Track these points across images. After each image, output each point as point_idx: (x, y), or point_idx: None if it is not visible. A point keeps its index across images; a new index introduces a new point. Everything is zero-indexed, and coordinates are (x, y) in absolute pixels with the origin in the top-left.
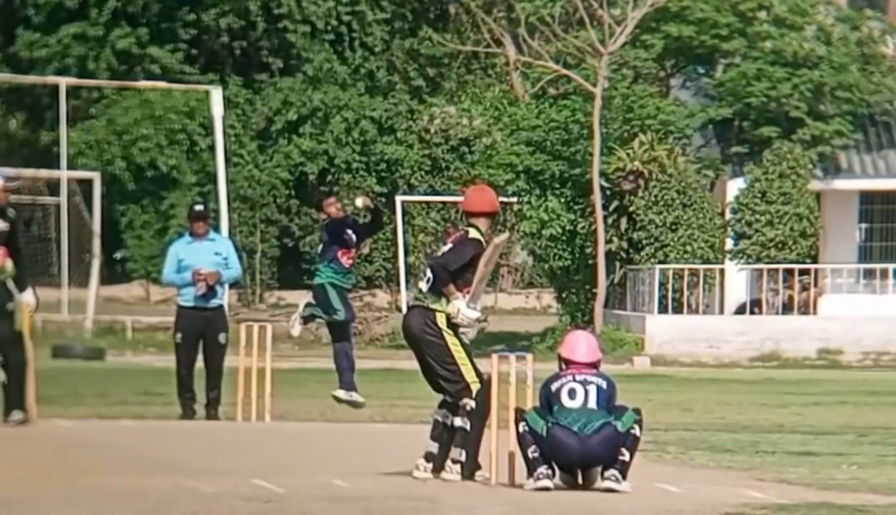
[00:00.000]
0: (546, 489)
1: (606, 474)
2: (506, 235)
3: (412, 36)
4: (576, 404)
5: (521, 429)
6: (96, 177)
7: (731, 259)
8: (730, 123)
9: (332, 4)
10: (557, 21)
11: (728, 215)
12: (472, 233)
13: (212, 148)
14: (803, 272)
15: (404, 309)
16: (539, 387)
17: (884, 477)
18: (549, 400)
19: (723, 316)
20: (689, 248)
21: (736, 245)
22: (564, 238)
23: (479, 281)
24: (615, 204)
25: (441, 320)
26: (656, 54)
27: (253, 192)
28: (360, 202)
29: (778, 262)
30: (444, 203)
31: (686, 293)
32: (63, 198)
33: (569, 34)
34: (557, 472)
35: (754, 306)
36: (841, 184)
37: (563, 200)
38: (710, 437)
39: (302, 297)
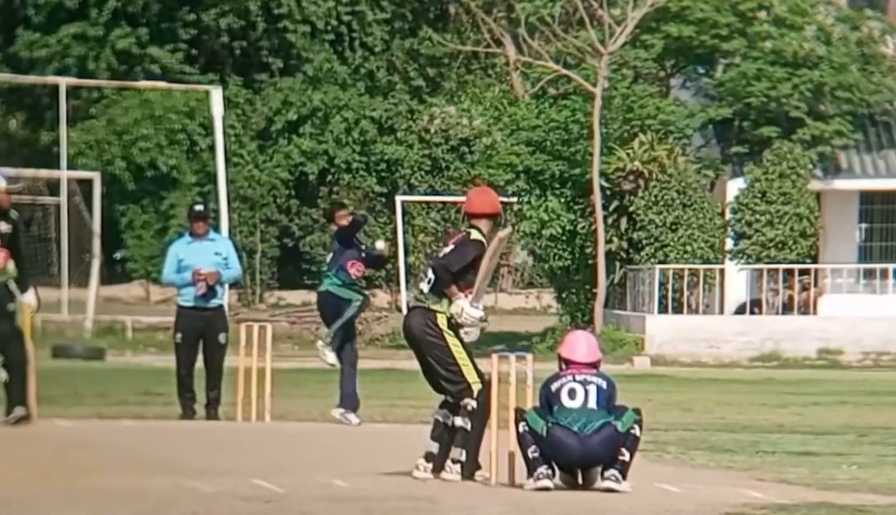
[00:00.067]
0: (546, 489)
1: (606, 474)
2: (509, 230)
3: (412, 36)
4: (576, 404)
5: (521, 429)
6: (96, 177)
7: (731, 259)
8: (730, 123)
9: (332, 4)
10: (557, 21)
11: (728, 215)
12: (474, 235)
13: (212, 148)
14: (803, 272)
15: (404, 310)
16: (539, 387)
17: (884, 477)
18: (549, 400)
19: (723, 316)
20: (689, 248)
21: (736, 245)
22: (564, 238)
23: (483, 277)
24: (615, 204)
25: (442, 321)
26: (656, 54)
27: (253, 192)
28: (381, 245)
29: (778, 262)
30: (444, 203)
31: (686, 293)
32: (63, 198)
33: (569, 34)
34: (557, 472)
35: (754, 306)
36: (841, 184)
37: (563, 200)
38: (710, 437)
39: (301, 297)
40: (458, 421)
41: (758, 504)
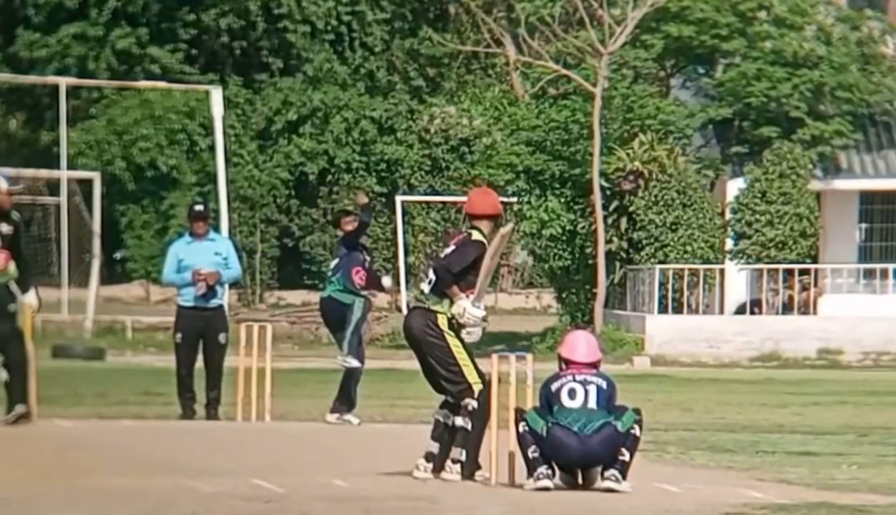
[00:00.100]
0: (546, 489)
1: (606, 474)
2: (511, 225)
3: (412, 36)
4: (576, 404)
5: (521, 429)
6: (96, 177)
7: (731, 259)
8: (730, 123)
9: (332, 4)
10: (557, 21)
11: (728, 215)
12: (475, 235)
13: (212, 148)
14: (803, 272)
15: (404, 309)
16: (539, 387)
17: (884, 477)
18: (549, 400)
19: (723, 316)
20: (689, 248)
21: (736, 245)
22: (564, 238)
23: (485, 275)
24: (615, 204)
25: (442, 321)
26: (656, 54)
27: (253, 192)
28: (387, 282)
29: (778, 262)
30: (444, 203)
31: (686, 293)
32: (63, 198)
33: (569, 34)
34: (557, 472)
35: (754, 306)
36: (841, 184)
37: (563, 200)
38: (710, 437)
39: (301, 297)
40: (459, 421)
41: (758, 504)
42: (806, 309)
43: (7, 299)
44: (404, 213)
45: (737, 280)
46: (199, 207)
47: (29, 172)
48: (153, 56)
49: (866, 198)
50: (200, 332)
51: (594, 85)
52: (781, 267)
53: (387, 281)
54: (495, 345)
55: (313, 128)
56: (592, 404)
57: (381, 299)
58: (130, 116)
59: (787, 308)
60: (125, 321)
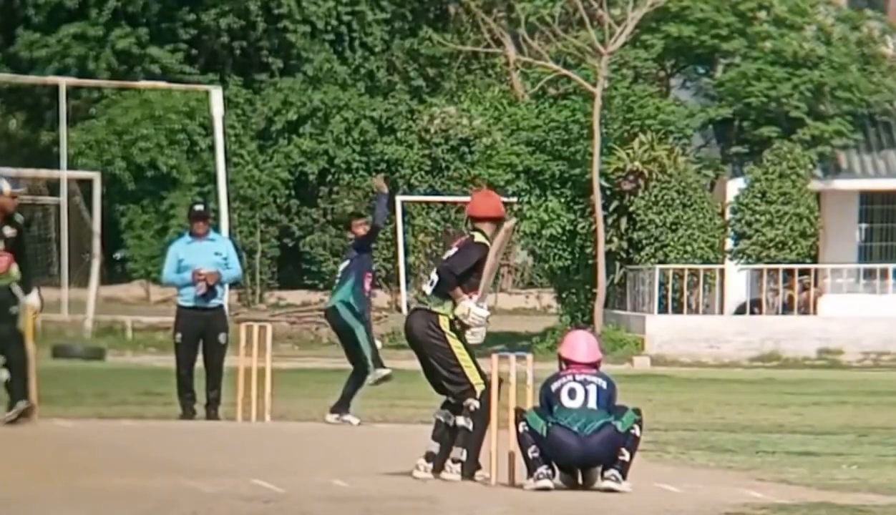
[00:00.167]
0: (546, 489)
1: (606, 474)
2: (514, 221)
3: (412, 36)
4: (576, 404)
5: (521, 429)
6: (96, 177)
7: (731, 259)
8: (730, 123)
9: (332, 4)
10: (557, 21)
11: (728, 215)
12: (478, 237)
13: (212, 148)
14: (803, 272)
15: (404, 309)
16: (539, 387)
17: (884, 477)
18: (549, 400)
19: (723, 316)
20: (689, 248)
21: (736, 245)
22: (564, 238)
23: (489, 273)
24: (615, 204)
25: (444, 323)
26: (656, 54)
27: (253, 192)
28: (378, 182)
29: (778, 262)
30: (444, 203)
31: (686, 293)
32: (63, 198)
33: (569, 34)
34: (557, 472)
35: (754, 306)
36: (841, 184)
37: (563, 200)
38: (710, 437)
39: (301, 297)
40: (461, 421)
41: (758, 504)
42: (806, 309)
43: (9, 301)
44: (404, 213)
45: (737, 280)
46: (199, 207)
47: (29, 172)
48: (153, 56)
49: (866, 198)
50: (200, 332)
51: (594, 85)
52: (781, 267)
53: (378, 181)
54: (495, 345)
55: (313, 128)
56: (592, 404)
57: (381, 299)
58: (130, 116)
59: (787, 308)
60: (125, 321)
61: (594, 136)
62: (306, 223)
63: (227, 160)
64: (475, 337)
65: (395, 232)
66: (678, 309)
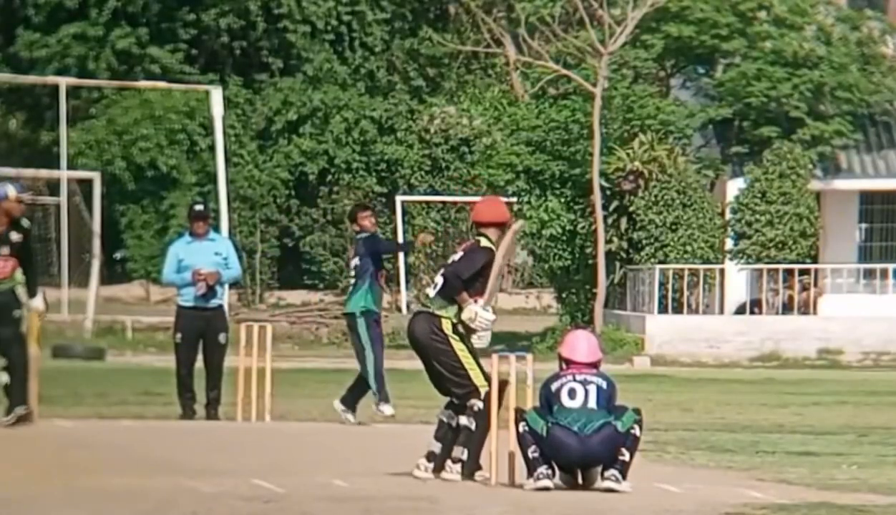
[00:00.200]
0: (546, 489)
1: (606, 474)
2: (522, 222)
3: (412, 36)
4: (576, 404)
5: (521, 429)
6: (96, 177)
7: (731, 259)
8: (730, 123)
9: (332, 4)
10: (557, 21)
11: (728, 215)
12: (484, 242)
13: (212, 148)
14: (803, 272)
15: (404, 310)
16: (539, 387)
17: (884, 477)
18: (549, 400)
19: (723, 316)
20: (689, 248)
21: (736, 245)
22: (564, 238)
23: (496, 275)
24: (615, 204)
25: (447, 326)
26: (656, 54)
27: (253, 192)
28: (425, 238)
29: (778, 262)
30: (444, 203)
31: (686, 293)
32: (63, 198)
33: (569, 34)
34: (557, 472)
35: (754, 306)
36: (841, 184)
37: (563, 200)
38: (710, 437)
39: (301, 297)
40: (463, 421)
41: (758, 504)
42: (806, 309)
43: (12, 304)
44: (404, 213)
45: (737, 280)
46: (199, 207)
47: (29, 172)
48: (153, 56)
49: (866, 198)
50: (200, 332)
51: (594, 85)
52: (781, 267)
53: (425, 238)
54: (495, 345)
55: (313, 128)
56: (592, 404)
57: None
58: (130, 116)
59: (787, 308)
60: (125, 321)
61: (594, 136)
62: (306, 223)
63: (227, 160)
64: (481, 341)
65: (395, 232)
66: (678, 309)
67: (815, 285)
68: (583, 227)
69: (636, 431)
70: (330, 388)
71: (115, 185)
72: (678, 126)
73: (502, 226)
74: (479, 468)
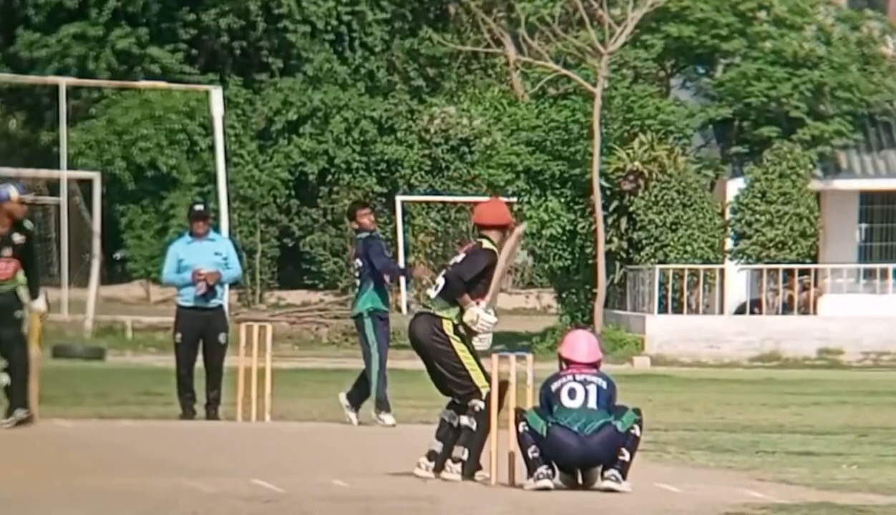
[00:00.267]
0: (546, 489)
1: (606, 474)
2: (524, 225)
3: (412, 36)
4: (576, 404)
5: (521, 429)
6: (96, 177)
7: (731, 259)
8: (730, 123)
9: (332, 4)
10: (557, 21)
11: (728, 215)
12: (486, 244)
13: (212, 148)
14: (803, 272)
15: (404, 310)
16: (539, 387)
17: (884, 477)
18: (549, 400)
19: (723, 316)
20: (689, 248)
21: (736, 245)
22: (564, 238)
23: (499, 278)
24: (615, 204)
25: (447, 327)
26: (656, 54)
27: (253, 192)
28: (421, 272)
29: (778, 262)
30: (444, 203)
31: (686, 293)
32: (63, 198)
33: (569, 34)
34: (557, 472)
35: (754, 306)
36: (841, 184)
37: (563, 200)
38: (710, 437)
39: (301, 297)
40: (464, 420)
41: (758, 504)
42: (806, 309)
43: (14, 305)
44: (404, 213)
45: (737, 280)
46: (199, 207)
47: (29, 172)
48: (153, 56)
49: (866, 198)
50: (200, 332)
51: (594, 85)
52: (781, 267)
53: (420, 271)
54: (495, 345)
55: (313, 128)
56: (592, 404)
57: None
58: (130, 116)
59: (787, 308)
60: (125, 321)
61: (594, 136)
62: (306, 223)
63: (227, 160)
64: (482, 343)
65: (395, 232)
66: (678, 309)
67: (815, 285)
68: (583, 227)
69: (636, 431)
70: (330, 388)
71: (115, 185)
72: (678, 126)
73: (504, 229)
74: (480, 468)
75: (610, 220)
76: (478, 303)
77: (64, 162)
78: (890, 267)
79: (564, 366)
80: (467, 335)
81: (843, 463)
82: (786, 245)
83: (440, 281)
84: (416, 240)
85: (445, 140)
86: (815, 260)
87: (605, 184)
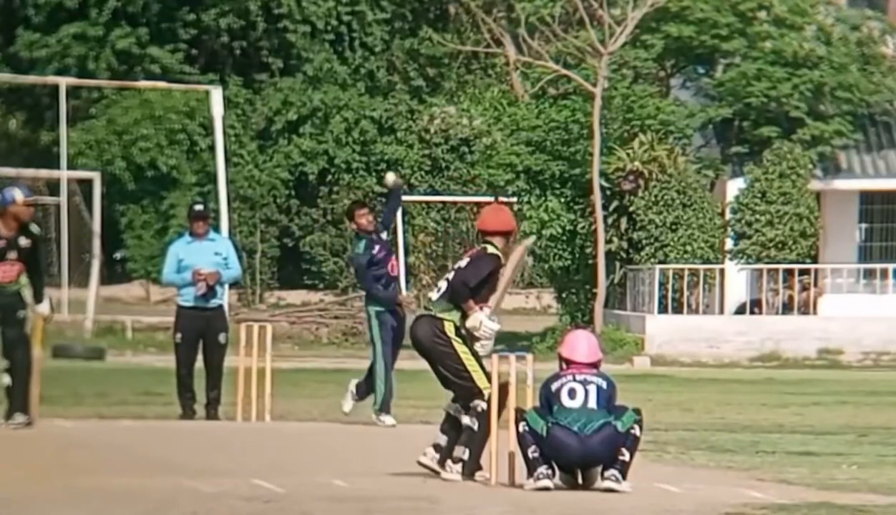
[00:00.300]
0: (546, 489)
1: (606, 474)
2: (532, 238)
3: (412, 36)
4: (576, 404)
5: (521, 429)
6: (96, 177)
7: (731, 259)
8: (730, 123)
9: (332, 4)
10: (557, 21)
11: (728, 215)
12: (490, 249)
13: (212, 148)
14: (803, 272)
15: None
16: (539, 387)
17: (884, 477)
18: (549, 400)
19: (723, 316)
20: (689, 248)
21: (736, 245)
22: (564, 238)
23: (505, 287)
24: (615, 204)
25: (449, 328)
26: (656, 54)
27: (253, 192)
28: (390, 179)
29: (778, 262)
30: (444, 203)
31: (686, 293)
32: (63, 198)
33: (569, 34)
34: (557, 472)
35: (754, 306)
36: (841, 184)
37: (563, 200)
38: (710, 437)
39: (301, 297)
40: (466, 421)
41: (758, 504)
42: (806, 309)
43: (17, 305)
44: (404, 213)
45: (737, 280)
46: (199, 207)
47: (29, 172)
48: (153, 56)
49: (866, 198)
50: (200, 332)
51: (594, 85)
52: (781, 267)
53: (390, 177)
54: (496, 345)
55: (313, 128)
56: (592, 404)
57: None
58: (130, 116)
59: (787, 308)
60: (125, 321)
61: (594, 136)
62: (306, 223)
63: (227, 160)
64: (483, 349)
65: (395, 232)
66: (678, 309)
67: (815, 285)
68: (583, 227)
69: (636, 431)
70: (330, 388)
71: (115, 185)
72: (678, 126)
73: (508, 235)
74: (480, 468)
75: (610, 220)
76: (481, 309)
77: (64, 162)
78: (890, 267)
79: (564, 366)
80: (469, 338)
81: (843, 463)
82: (786, 245)
83: (442, 284)
84: (417, 240)
85: (445, 140)
86: (815, 260)
87: (605, 184)
